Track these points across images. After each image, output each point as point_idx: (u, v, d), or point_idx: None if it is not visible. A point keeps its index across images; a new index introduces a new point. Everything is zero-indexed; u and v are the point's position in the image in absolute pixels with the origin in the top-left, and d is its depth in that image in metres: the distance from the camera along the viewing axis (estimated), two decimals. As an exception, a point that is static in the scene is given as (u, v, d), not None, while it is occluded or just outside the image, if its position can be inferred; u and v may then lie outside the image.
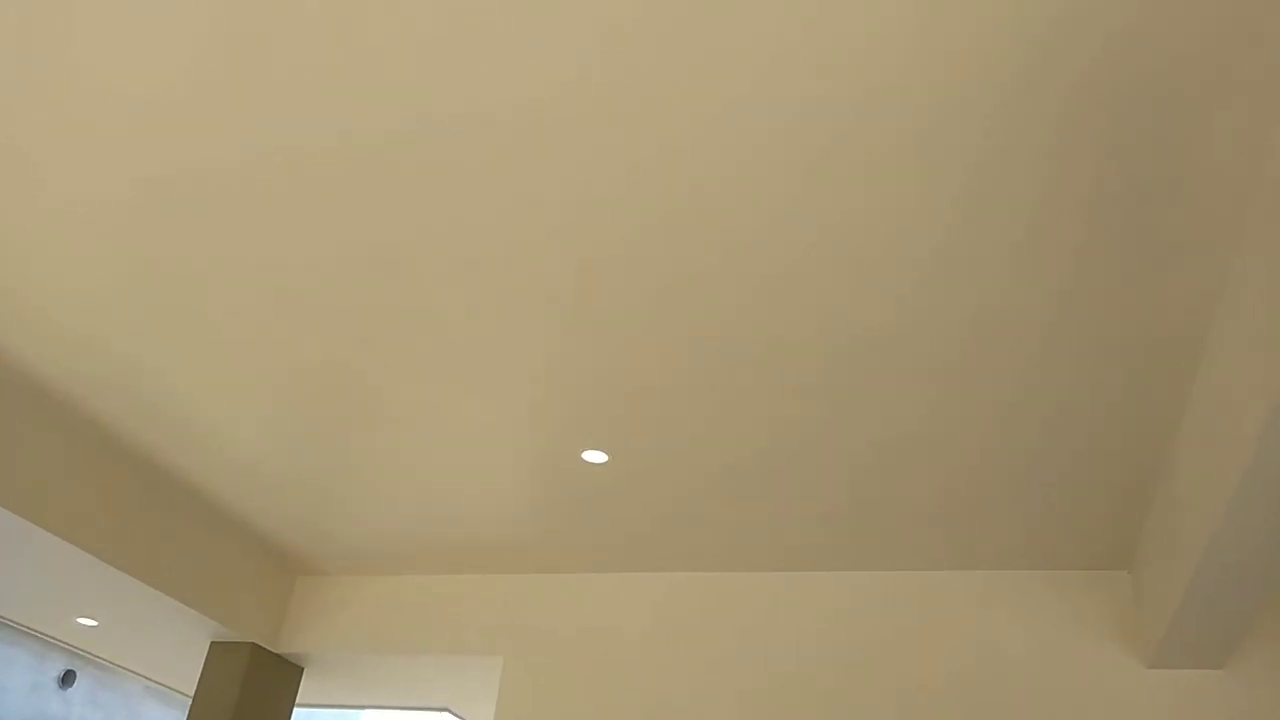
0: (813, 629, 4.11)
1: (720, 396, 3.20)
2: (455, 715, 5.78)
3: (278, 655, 5.03)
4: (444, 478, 3.98)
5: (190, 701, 5.71)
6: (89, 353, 3.46)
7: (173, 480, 4.30)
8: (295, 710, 5.57)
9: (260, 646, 4.88)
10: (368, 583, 5.07)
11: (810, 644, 4.08)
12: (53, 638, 5.25)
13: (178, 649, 5.09)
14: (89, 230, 2.83)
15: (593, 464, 3.68)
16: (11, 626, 5.20)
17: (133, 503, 4.29)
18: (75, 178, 2.64)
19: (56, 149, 2.54)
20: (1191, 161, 2.18)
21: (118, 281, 3.06)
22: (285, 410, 3.66)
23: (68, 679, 5.68)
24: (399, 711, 6.29)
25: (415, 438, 3.70)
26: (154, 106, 2.37)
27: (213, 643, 4.88)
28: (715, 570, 4.42)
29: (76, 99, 2.38)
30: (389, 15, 2.06)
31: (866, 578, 4.16)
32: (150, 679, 5.89)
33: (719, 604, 4.32)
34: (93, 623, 4.91)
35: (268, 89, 2.29)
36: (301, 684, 5.44)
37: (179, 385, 3.60)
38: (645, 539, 4.25)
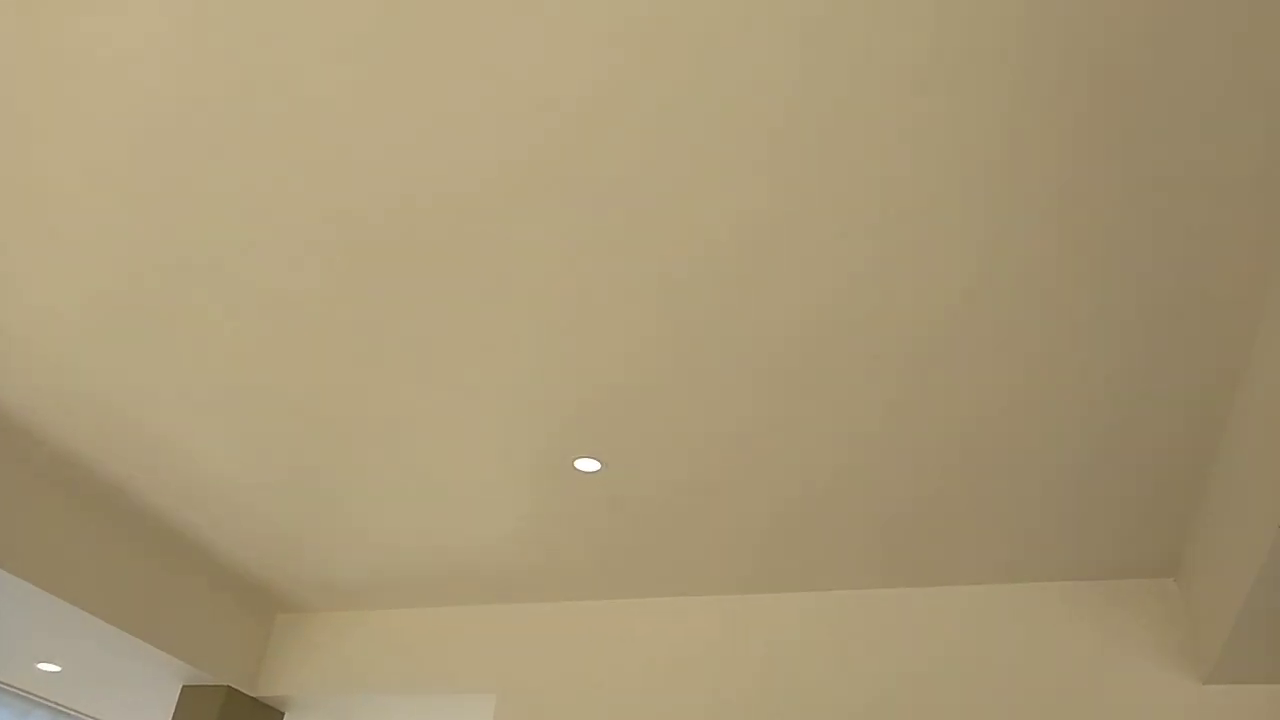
0: (842, 653, 3.79)
1: (717, 386, 2.93)
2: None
3: (255, 699, 4.69)
4: (429, 496, 3.68)
5: (165, 752, 5.33)
6: (50, 372, 3.18)
7: (137, 510, 3.98)
8: (278, 758, 5.20)
9: (236, 690, 4.54)
10: (352, 619, 4.75)
11: (840, 669, 3.76)
12: (15, 687, 4.89)
13: (147, 693, 4.74)
14: (75, 247, 2.59)
15: (585, 473, 3.39)
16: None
17: (93, 535, 3.97)
18: (70, 221, 2.39)
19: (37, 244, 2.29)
20: (1258, 90, 1.92)
21: (90, 300, 2.82)
22: (259, 431, 3.38)
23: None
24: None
25: (400, 452, 3.41)
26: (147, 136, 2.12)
27: (184, 687, 4.54)
28: (729, 593, 4.11)
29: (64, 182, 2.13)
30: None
31: (896, 596, 3.85)
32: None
33: (736, 631, 4.01)
34: (55, 669, 4.57)
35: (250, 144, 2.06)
36: (283, 729, 5.08)
37: (146, 408, 3.32)
38: (646, 559, 3.94)
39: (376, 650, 4.59)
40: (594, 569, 4.06)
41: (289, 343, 2.91)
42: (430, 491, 3.64)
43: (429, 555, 4.12)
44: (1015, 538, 3.45)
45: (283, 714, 4.86)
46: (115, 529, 4.06)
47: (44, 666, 4.55)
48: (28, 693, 4.94)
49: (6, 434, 3.56)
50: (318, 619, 4.82)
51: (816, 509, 3.45)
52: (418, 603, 4.57)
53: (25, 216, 2.54)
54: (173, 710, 4.89)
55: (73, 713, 5.28)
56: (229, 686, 4.49)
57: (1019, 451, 3.02)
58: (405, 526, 3.91)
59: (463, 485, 3.56)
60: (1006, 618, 3.65)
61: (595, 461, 3.31)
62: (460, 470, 3.46)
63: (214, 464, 3.61)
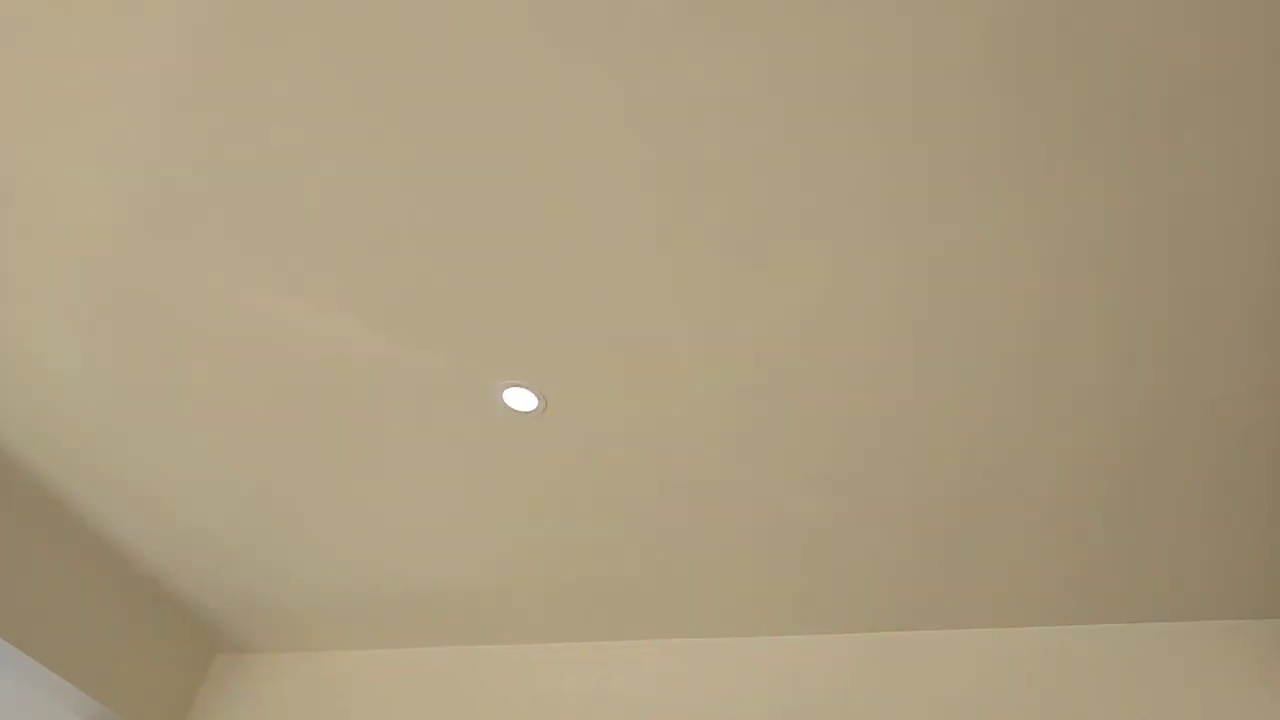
0: (901, 706, 3.06)
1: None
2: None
3: (175, 752, 4.01)
4: (405, 499, 3.11)
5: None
6: None
7: (56, 514, 3.45)
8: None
9: (147, 737, 3.88)
10: (309, 661, 4.08)
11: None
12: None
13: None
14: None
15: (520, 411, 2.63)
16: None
17: (6, 543, 3.44)
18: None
19: None
20: None
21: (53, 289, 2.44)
22: (203, 428, 2.90)
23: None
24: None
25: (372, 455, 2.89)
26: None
27: (93, 730, 3.89)
28: (762, 634, 3.33)
29: None
30: None
31: (987, 636, 3.07)
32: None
33: (765, 678, 3.29)
34: (-50, 701, 3.96)
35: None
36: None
37: (78, 389, 2.85)
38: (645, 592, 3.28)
39: (333, 700, 3.91)
40: (578, 605, 3.40)
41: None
42: (405, 496, 3.07)
43: (403, 580, 3.49)
44: (1157, 569, 2.75)
45: (208, 772, 4.18)
46: (30, 534, 3.52)
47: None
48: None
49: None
50: (267, 661, 4.18)
51: (874, 525, 2.79)
52: (391, 640, 3.89)
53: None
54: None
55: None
56: (141, 732, 3.84)
57: (1152, 461, 2.39)
58: (377, 539, 3.32)
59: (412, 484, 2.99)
60: (1085, 661, 2.93)
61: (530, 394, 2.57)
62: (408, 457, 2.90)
63: (160, 472, 3.11)
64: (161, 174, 2.20)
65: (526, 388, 2.52)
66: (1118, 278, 2.02)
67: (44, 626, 3.51)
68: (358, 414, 2.75)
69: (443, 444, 2.79)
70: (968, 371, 2.26)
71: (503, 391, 2.55)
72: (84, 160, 2.20)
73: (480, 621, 3.61)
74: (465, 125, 1.96)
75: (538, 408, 2.56)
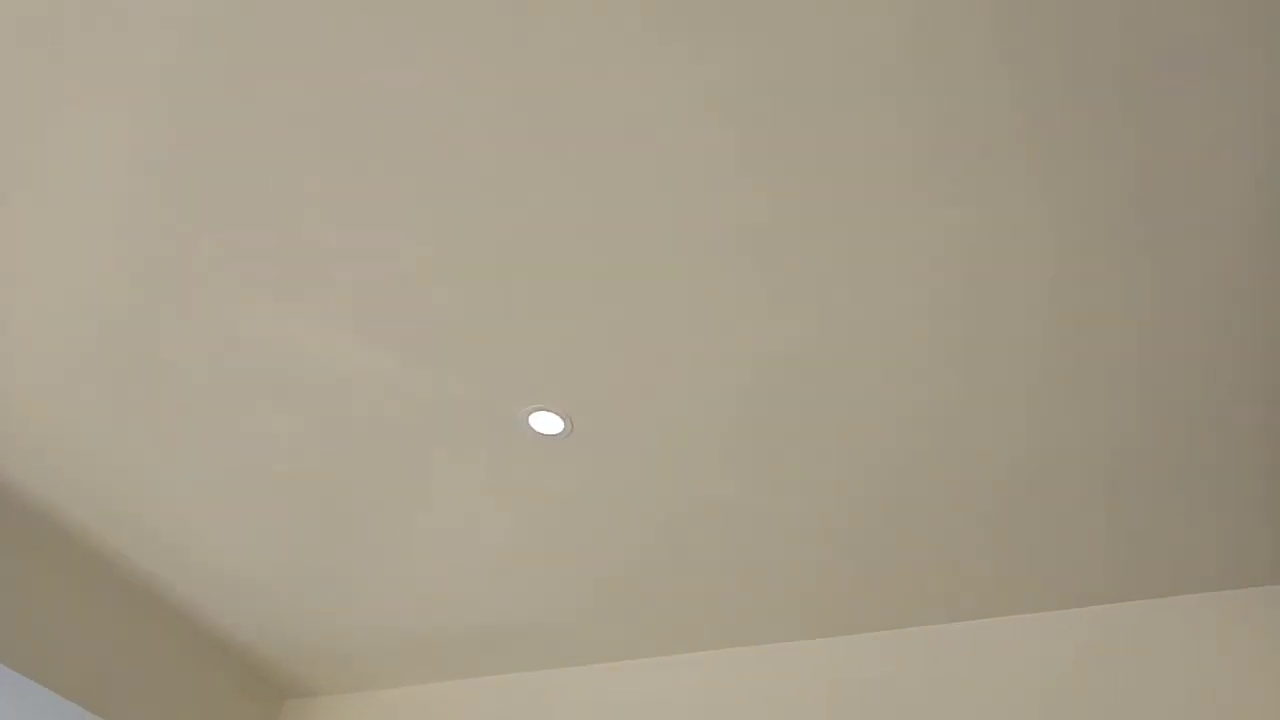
0: (944, 696, 3.08)
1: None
2: None
3: (256, 797, 4.13)
4: (456, 532, 3.20)
5: None
6: (48, 437, 2.92)
7: (125, 583, 3.59)
8: None
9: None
10: (377, 700, 4.17)
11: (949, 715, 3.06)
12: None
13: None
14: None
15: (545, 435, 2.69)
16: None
17: (71, 609, 3.58)
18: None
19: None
20: None
21: (99, 371, 2.57)
22: (261, 485, 3.02)
23: None
24: None
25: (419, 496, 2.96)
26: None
27: (175, 784, 4.02)
28: (803, 638, 3.36)
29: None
30: None
31: (1015, 623, 3.08)
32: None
33: (815, 680, 3.31)
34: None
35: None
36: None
37: (143, 474, 2.99)
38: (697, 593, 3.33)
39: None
40: (647, 620, 3.41)
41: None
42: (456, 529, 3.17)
43: (459, 614, 3.56)
44: (1157, 544, 2.72)
45: (290, 817, 4.29)
46: (101, 605, 3.65)
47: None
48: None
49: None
50: (331, 704, 4.29)
51: (912, 531, 2.81)
52: (454, 673, 3.98)
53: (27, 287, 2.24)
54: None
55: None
56: (221, 783, 3.96)
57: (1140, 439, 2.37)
58: (431, 574, 3.39)
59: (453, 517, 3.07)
60: (1130, 639, 2.93)
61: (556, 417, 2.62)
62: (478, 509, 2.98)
63: (213, 531, 3.23)
64: (183, 216, 2.30)
65: (551, 411, 2.59)
66: (1132, 257, 2.01)
67: (114, 687, 3.63)
68: (390, 447, 2.82)
69: (476, 472, 2.85)
70: (994, 362, 2.27)
71: (529, 416, 2.62)
72: (99, 206, 2.31)
73: (534, 646, 3.67)
74: (476, 153, 2.02)
75: (564, 430, 2.64)
